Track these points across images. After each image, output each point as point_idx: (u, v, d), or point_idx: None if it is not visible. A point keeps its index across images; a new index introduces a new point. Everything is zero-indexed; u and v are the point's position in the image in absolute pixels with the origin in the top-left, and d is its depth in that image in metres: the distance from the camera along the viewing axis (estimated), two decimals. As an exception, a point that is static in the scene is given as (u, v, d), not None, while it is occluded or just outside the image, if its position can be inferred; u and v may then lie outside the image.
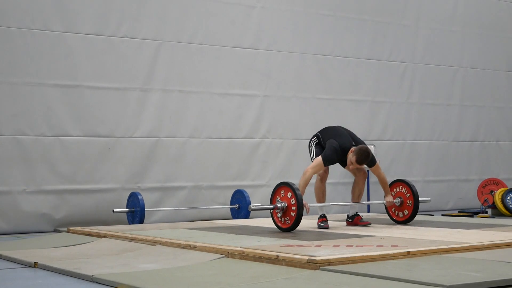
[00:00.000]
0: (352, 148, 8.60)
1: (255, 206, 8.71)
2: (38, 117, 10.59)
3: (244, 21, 12.44)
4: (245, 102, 12.38)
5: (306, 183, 8.47)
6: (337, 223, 9.37)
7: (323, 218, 8.80)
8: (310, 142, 9.06)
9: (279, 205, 8.22)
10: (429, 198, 10.06)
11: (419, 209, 9.21)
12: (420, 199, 9.24)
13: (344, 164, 8.88)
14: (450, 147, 14.82)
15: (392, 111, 13.92)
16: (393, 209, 9.41)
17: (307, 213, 8.31)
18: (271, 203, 8.39)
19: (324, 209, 8.84)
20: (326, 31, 13.24)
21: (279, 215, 8.29)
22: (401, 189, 9.32)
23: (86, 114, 10.92)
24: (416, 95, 14.34)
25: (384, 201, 9.22)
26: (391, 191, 9.31)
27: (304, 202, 8.08)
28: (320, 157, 8.61)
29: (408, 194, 9.22)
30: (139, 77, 11.41)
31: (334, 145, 8.63)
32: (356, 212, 9.09)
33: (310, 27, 13.11)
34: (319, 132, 9.10)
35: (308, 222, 9.55)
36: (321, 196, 8.90)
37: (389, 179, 13.56)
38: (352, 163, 8.59)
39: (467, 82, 15.10)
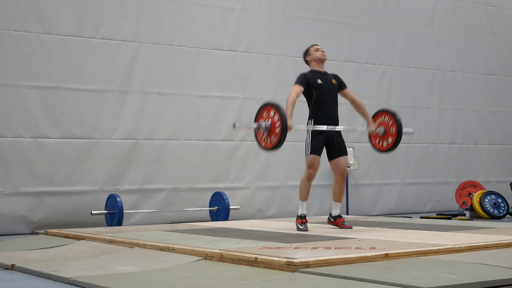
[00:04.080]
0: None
1: (239, 123, 8.69)
2: (15, 119, 10.53)
3: (223, 23, 12.44)
4: (224, 104, 12.37)
5: (292, 104, 8.48)
6: (316, 225, 9.37)
7: (302, 219, 8.68)
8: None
9: (263, 124, 8.29)
10: (412, 130, 10.04)
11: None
12: (403, 129, 9.23)
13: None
14: (428, 150, 14.89)
15: (370, 114, 13.94)
16: (377, 140, 9.38)
17: (289, 131, 8.26)
18: (255, 122, 8.47)
19: (305, 208, 8.75)
20: (305, 33, 13.25)
21: (263, 136, 8.36)
22: (384, 118, 9.32)
23: (64, 116, 10.88)
24: (394, 97, 14.38)
25: (367, 130, 9.24)
26: (374, 121, 9.35)
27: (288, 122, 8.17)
28: (295, 84, 8.70)
29: (391, 121, 9.21)
30: (118, 79, 11.38)
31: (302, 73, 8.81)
32: (340, 214, 9.05)
33: (289, 30, 13.13)
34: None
35: (286, 225, 9.57)
36: (305, 194, 8.74)
37: (368, 181, 13.69)
38: (315, 50, 8.91)
39: (445, 85, 15.17)
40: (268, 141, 8.29)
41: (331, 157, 8.90)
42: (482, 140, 15.64)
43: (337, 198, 8.98)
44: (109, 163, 11.24)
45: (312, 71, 8.89)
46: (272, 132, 8.23)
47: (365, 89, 13.92)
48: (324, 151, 8.82)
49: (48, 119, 10.75)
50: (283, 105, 8.35)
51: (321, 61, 8.96)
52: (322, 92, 8.76)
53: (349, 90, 9.16)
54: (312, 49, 8.99)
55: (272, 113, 8.25)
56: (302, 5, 13.35)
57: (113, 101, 11.32)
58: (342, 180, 8.97)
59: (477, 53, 15.68)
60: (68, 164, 10.91)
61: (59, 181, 10.83)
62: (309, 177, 8.65)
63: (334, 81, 8.92)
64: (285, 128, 8.10)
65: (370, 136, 9.39)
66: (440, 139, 15.06)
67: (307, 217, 8.83)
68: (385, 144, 9.29)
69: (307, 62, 9.05)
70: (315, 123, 8.75)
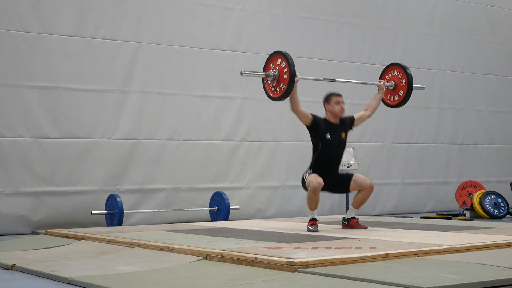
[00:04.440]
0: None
1: (247, 71, 8.72)
2: (15, 119, 10.53)
3: (223, 23, 12.44)
4: (224, 104, 12.37)
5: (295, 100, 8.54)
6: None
7: (313, 222, 8.56)
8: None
9: (271, 73, 8.37)
10: (423, 86, 10.10)
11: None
12: (414, 85, 9.27)
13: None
14: (428, 150, 14.89)
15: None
16: (388, 95, 9.47)
17: (296, 79, 8.36)
18: (264, 71, 8.54)
19: (316, 213, 8.66)
20: (305, 33, 13.26)
21: (270, 85, 8.44)
22: (395, 73, 9.33)
23: (64, 116, 10.88)
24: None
25: (379, 83, 9.34)
26: (385, 75, 9.47)
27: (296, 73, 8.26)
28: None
29: (401, 74, 9.24)
30: (118, 79, 11.38)
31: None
32: (353, 216, 9.00)
33: (289, 30, 13.13)
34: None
35: (287, 225, 9.57)
36: (313, 205, 8.50)
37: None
38: (336, 102, 8.73)
39: (445, 85, 15.17)
40: (277, 90, 8.34)
41: (346, 188, 8.87)
42: (482, 140, 15.64)
43: (357, 206, 8.88)
44: (109, 163, 11.25)
45: (326, 120, 8.77)
46: (280, 81, 8.29)
47: (365, 89, 13.88)
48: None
49: (48, 119, 10.76)
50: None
51: (337, 116, 8.81)
52: (328, 147, 8.65)
53: (358, 114, 9.11)
54: (333, 99, 8.77)
55: (279, 61, 8.36)
56: (302, 5, 13.35)
57: (113, 101, 11.32)
58: (369, 193, 8.82)
59: (477, 53, 15.68)
60: (68, 164, 10.91)
61: (59, 181, 10.83)
62: (314, 190, 8.38)
63: (343, 134, 8.79)
64: (293, 76, 8.19)
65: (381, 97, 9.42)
66: (440, 139, 15.06)
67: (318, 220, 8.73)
68: (396, 98, 9.32)
69: (324, 106, 8.88)
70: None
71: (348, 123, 8.92)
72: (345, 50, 13.85)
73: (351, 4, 13.99)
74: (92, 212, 10.68)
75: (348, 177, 8.84)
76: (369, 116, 9.21)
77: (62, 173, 10.86)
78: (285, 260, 5.72)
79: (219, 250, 6.56)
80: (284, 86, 8.28)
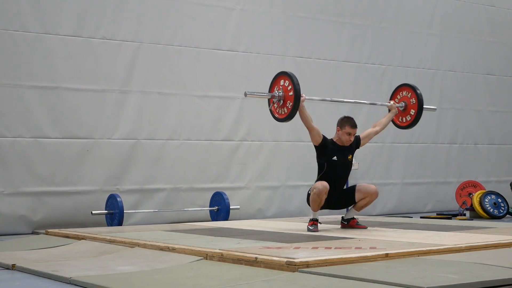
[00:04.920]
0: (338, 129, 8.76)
1: (251, 92, 8.66)
2: (15, 119, 10.53)
3: (223, 23, 12.44)
4: (224, 104, 12.37)
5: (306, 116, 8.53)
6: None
7: (314, 222, 8.56)
8: None
9: (276, 93, 8.33)
10: (434, 107, 10.08)
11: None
12: (425, 106, 9.23)
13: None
14: (428, 150, 14.88)
15: (371, 114, 13.95)
16: (399, 117, 9.42)
17: (302, 101, 8.34)
18: (269, 92, 8.50)
19: (317, 215, 8.65)
20: (305, 33, 13.26)
21: (276, 105, 8.41)
22: (406, 94, 9.31)
23: (64, 116, 10.88)
24: (395, 98, 14.38)
25: (388, 103, 9.34)
26: (395, 97, 9.45)
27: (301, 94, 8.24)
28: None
29: (410, 94, 9.22)
30: (118, 79, 11.38)
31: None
32: (353, 216, 9.01)
33: (289, 30, 13.13)
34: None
35: (287, 225, 9.57)
36: (316, 207, 8.50)
37: (368, 181, 13.66)
38: (347, 133, 8.65)
39: (445, 85, 15.16)
40: (282, 111, 8.31)
41: (352, 201, 8.86)
42: (482, 140, 15.64)
43: (359, 209, 8.90)
44: (110, 163, 11.25)
45: (333, 142, 8.75)
46: (285, 101, 8.24)
47: (365, 89, 13.92)
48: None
49: (48, 119, 10.76)
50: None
51: (344, 144, 8.77)
52: (333, 169, 8.64)
53: (365, 133, 9.12)
54: (347, 129, 8.69)
55: (284, 82, 8.31)
56: (302, 5, 13.35)
57: (113, 101, 11.32)
58: (373, 198, 8.84)
59: (477, 53, 15.68)
60: (69, 164, 10.91)
61: (59, 181, 10.83)
62: (319, 193, 8.38)
63: (350, 156, 8.78)
64: (298, 96, 8.12)
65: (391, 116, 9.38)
66: (440, 139, 15.06)
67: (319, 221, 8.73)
68: (408, 118, 9.28)
69: (336, 128, 8.81)
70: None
71: (354, 144, 8.90)
72: (345, 50, 13.85)
73: (351, 4, 13.99)
74: (92, 212, 10.68)
75: (351, 189, 8.84)
76: (377, 132, 9.20)
77: (62, 173, 10.86)
78: (285, 260, 5.72)
79: (219, 250, 6.56)
80: (290, 107, 8.22)
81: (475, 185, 13.36)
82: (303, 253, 6.17)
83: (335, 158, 8.61)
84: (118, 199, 10.58)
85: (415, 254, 6.31)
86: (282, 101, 8.34)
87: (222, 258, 6.35)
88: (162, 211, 11.50)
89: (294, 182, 12.48)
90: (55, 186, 10.79)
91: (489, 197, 12.55)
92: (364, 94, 13.90)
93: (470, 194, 13.07)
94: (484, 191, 12.89)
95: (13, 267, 6.55)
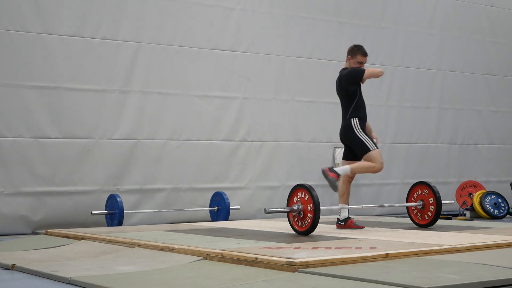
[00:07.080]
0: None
1: (271, 209, 8.50)
2: (16, 119, 10.53)
3: (223, 23, 12.44)
4: (225, 104, 12.37)
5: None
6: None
7: (351, 219, 8.83)
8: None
9: (295, 207, 8.17)
10: (452, 201, 10.08)
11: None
12: (443, 201, 9.15)
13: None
14: (428, 150, 14.88)
15: (371, 114, 13.90)
16: (415, 212, 9.26)
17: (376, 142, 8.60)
18: (287, 205, 8.32)
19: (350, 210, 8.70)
20: (305, 33, 13.27)
21: (295, 218, 8.24)
22: (423, 192, 9.24)
23: (64, 116, 10.88)
24: (395, 98, 14.38)
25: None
26: (412, 195, 9.30)
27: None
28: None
29: (427, 192, 9.10)
30: (118, 79, 11.38)
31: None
32: (348, 216, 8.98)
33: (289, 30, 13.13)
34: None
35: (287, 225, 9.56)
36: (345, 198, 8.83)
37: (368, 181, 13.65)
38: (358, 62, 9.12)
39: (445, 85, 15.16)
40: (303, 224, 8.16)
41: (353, 156, 8.92)
42: (483, 140, 15.64)
43: (346, 200, 8.93)
44: (110, 163, 11.25)
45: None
46: (305, 214, 8.12)
47: (365, 89, 13.82)
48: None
49: (48, 119, 10.76)
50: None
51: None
52: (361, 91, 9.09)
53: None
54: (358, 58, 9.24)
55: (302, 194, 8.14)
56: (302, 5, 13.35)
57: (113, 101, 11.32)
58: (379, 170, 8.84)
59: (477, 53, 15.68)
60: (69, 164, 10.91)
61: (59, 181, 10.84)
62: (376, 172, 8.71)
63: None
64: (317, 210, 7.97)
65: (408, 212, 9.35)
66: (440, 139, 15.06)
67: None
68: (426, 217, 9.14)
69: (347, 56, 9.39)
70: (361, 121, 8.87)
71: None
72: (345, 50, 13.75)
73: (351, 4, 13.99)
74: (93, 212, 10.68)
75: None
76: None
77: (62, 173, 10.86)
78: (285, 260, 5.72)
79: (219, 250, 6.56)
80: (310, 220, 8.03)
81: (475, 185, 13.36)
82: (303, 253, 6.17)
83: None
84: (118, 199, 10.58)
85: (415, 254, 6.31)
86: (302, 214, 8.20)
87: (222, 258, 6.35)
88: (162, 211, 11.50)
89: (294, 182, 12.43)
90: (55, 186, 10.80)
91: (490, 197, 12.55)
92: (364, 94, 13.88)
93: (470, 194, 13.07)
94: (484, 191, 12.89)
95: (13, 267, 6.55)
